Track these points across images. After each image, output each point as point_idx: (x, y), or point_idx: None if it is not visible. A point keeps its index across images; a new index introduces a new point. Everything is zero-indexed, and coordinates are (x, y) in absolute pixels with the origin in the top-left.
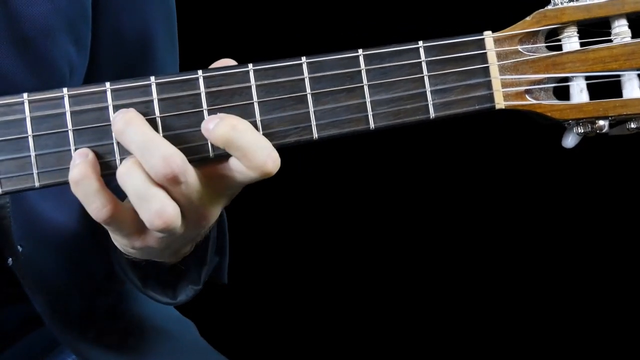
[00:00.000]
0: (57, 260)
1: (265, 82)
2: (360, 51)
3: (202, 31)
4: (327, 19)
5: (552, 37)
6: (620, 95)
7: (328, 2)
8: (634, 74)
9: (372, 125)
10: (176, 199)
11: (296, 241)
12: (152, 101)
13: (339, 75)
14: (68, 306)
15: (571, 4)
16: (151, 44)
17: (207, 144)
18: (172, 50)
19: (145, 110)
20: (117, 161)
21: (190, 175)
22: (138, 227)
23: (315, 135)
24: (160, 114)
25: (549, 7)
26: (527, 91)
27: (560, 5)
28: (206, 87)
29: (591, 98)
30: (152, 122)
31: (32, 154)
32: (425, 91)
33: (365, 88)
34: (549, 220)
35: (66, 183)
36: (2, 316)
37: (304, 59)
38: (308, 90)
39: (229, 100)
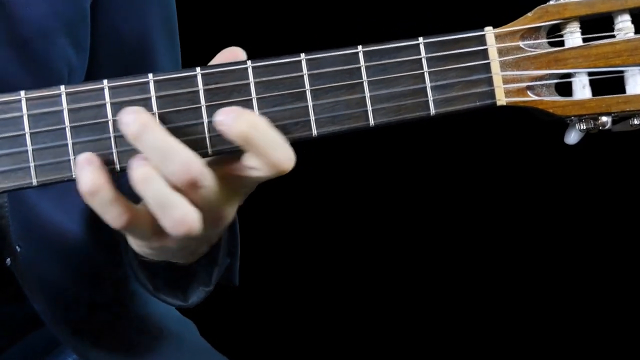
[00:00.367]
0: (56, 260)
1: (264, 79)
2: (360, 47)
3: (201, 28)
4: (327, 16)
5: (554, 32)
6: (624, 91)
7: None
8: (637, 69)
9: (372, 121)
10: (195, 203)
11: (296, 241)
12: (149, 98)
13: (338, 72)
14: (68, 306)
15: None
16: (151, 44)
17: (206, 141)
18: (172, 50)
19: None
20: (115, 155)
21: (209, 179)
22: (155, 229)
23: (315, 131)
24: (158, 111)
25: (551, 2)
26: (529, 87)
27: (562, 1)
28: (204, 84)
29: (594, 94)
30: None
31: (30, 151)
32: (426, 87)
33: (365, 84)
34: (551, 217)
35: (64, 181)
36: (2, 316)
37: (303, 55)
38: (307, 86)
39: (228, 97)
